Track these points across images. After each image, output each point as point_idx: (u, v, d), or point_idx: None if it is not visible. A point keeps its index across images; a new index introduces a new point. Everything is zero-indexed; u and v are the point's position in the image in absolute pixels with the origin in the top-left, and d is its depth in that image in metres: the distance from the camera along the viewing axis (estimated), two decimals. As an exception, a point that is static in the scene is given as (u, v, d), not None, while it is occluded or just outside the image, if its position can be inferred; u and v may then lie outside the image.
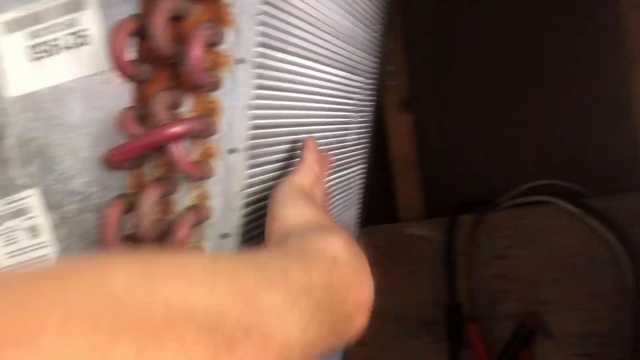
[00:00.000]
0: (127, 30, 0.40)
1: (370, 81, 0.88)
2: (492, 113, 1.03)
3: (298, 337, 0.29)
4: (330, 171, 0.74)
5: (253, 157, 0.46)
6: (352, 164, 0.86)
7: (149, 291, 0.23)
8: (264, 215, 0.51)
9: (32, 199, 0.48)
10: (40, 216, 0.48)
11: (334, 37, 0.65)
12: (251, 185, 0.46)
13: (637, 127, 0.96)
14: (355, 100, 0.82)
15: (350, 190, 0.88)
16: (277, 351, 0.27)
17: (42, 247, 0.48)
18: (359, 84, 0.83)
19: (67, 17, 0.45)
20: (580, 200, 0.91)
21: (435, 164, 1.04)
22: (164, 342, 0.21)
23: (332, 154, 0.74)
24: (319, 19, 0.58)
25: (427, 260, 0.98)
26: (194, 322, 0.23)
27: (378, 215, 1.02)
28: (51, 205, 0.48)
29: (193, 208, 0.42)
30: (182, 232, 0.40)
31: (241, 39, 0.42)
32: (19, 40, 0.46)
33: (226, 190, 0.43)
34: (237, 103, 0.42)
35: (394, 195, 1.04)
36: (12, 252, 0.49)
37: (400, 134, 1.02)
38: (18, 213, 0.48)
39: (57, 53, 0.46)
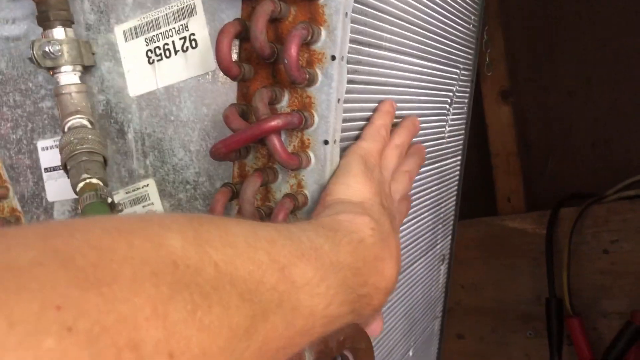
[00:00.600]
0: (231, 33, 0.44)
1: (466, 72, 0.88)
2: (598, 102, 0.99)
3: (322, 311, 0.31)
4: (425, 162, 0.75)
5: (345, 148, 0.48)
6: (449, 156, 0.87)
7: (200, 256, 0.25)
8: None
9: (149, 187, 0.54)
10: (156, 203, 0.54)
11: (425, 30, 0.66)
12: (344, 175, 0.49)
13: None
14: (451, 92, 0.82)
15: (447, 183, 0.88)
16: (303, 322, 0.29)
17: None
18: (454, 76, 0.83)
19: (179, 23, 0.50)
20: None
21: (537, 156, 1.02)
22: (212, 304, 0.24)
23: (428, 146, 0.75)
24: (409, 13, 0.60)
25: (528, 253, 0.96)
26: (237, 288, 0.26)
27: (477, 207, 1.02)
28: (166, 193, 0.53)
29: (290, 196, 0.46)
30: (280, 217, 0.43)
31: (334, 37, 0.44)
32: (138, 46, 0.52)
33: (320, 179, 0.46)
34: (331, 97, 0.45)
35: (494, 187, 1.02)
36: (133, 235, 0.55)
37: (500, 126, 1.00)
38: (138, 200, 0.54)
39: (169, 56, 0.51)
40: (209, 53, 0.49)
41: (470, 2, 0.84)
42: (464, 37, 0.85)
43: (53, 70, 0.51)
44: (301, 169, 0.46)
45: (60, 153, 0.48)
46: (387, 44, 0.56)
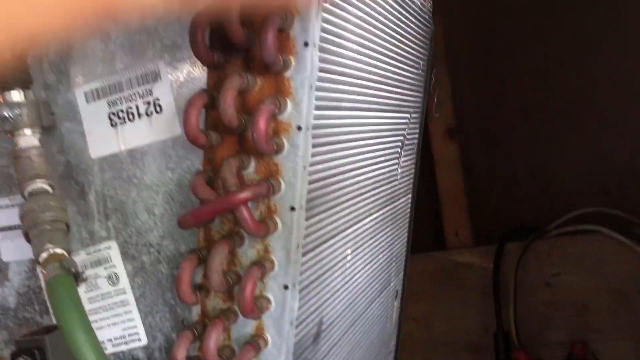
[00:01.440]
0: (198, 105, 0.44)
1: (416, 115, 0.92)
2: (538, 136, 1.04)
3: None
4: (380, 205, 0.77)
5: (311, 213, 0.50)
6: (401, 195, 0.89)
7: None
8: (320, 264, 0.55)
9: (111, 250, 0.53)
10: (118, 265, 0.53)
11: (380, 84, 0.69)
12: (309, 238, 0.50)
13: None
14: (402, 136, 0.85)
15: (400, 221, 0.91)
16: None
17: (120, 294, 0.53)
18: (405, 120, 0.86)
19: (143, 87, 0.50)
20: (631, 229, 0.91)
21: (482, 191, 1.06)
22: None
23: (382, 189, 0.77)
24: (367, 71, 0.62)
25: (475, 287, 1.00)
26: None
27: (426, 242, 1.05)
28: (128, 256, 0.53)
29: (257, 264, 0.46)
30: (249, 287, 0.44)
31: (300, 108, 0.46)
32: (100, 108, 0.52)
33: (287, 244, 0.47)
34: (297, 165, 0.47)
35: (442, 222, 1.06)
36: (94, 296, 0.54)
37: (447, 162, 1.04)
38: (100, 262, 0.54)
39: (133, 119, 0.51)
40: (174, 118, 0.50)
41: (419, 49, 0.87)
42: (414, 82, 0.88)
43: (11, 132, 0.50)
44: (268, 235, 0.47)
45: (22, 221, 0.47)
46: (347, 104, 0.57)
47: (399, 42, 0.74)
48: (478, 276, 0.99)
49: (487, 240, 1.01)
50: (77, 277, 0.46)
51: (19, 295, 0.58)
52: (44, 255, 0.45)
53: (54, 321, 0.56)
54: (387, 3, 0.66)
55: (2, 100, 0.50)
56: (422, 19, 0.86)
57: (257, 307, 0.46)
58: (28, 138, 0.51)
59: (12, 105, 0.49)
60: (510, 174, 1.05)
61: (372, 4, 0.61)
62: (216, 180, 0.48)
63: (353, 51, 0.56)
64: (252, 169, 0.47)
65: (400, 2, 0.73)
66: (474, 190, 1.05)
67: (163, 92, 0.49)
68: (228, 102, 0.43)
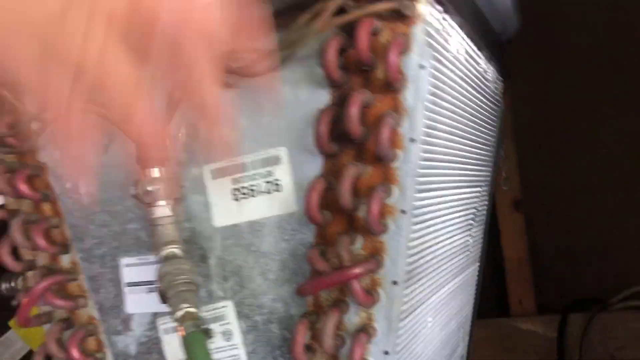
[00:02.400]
0: (318, 190, 0.51)
1: (486, 188, 0.97)
2: (602, 210, 1.08)
3: None
4: (453, 274, 0.82)
5: (406, 284, 0.55)
6: (471, 264, 0.94)
7: None
8: (409, 332, 0.60)
9: (227, 309, 0.60)
10: (232, 323, 0.60)
11: (462, 164, 0.75)
12: (402, 307, 0.56)
13: None
14: (475, 208, 0.90)
15: (469, 288, 0.95)
16: None
17: (233, 349, 0.60)
18: (478, 194, 0.91)
19: (265, 169, 0.57)
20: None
21: (547, 261, 1.09)
22: None
23: (457, 259, 0.82)
24: (453, 156, 0.68)
25: (538, 354, 1.02)
26: None
27: (491, 309, 1.08)
28: (242, 315, 0.59)
29: (362, 329, 0.52)
30: (358, 353, 0.50)
31: (405, 195, 0.52)
32: (225, 184, 0.59)
33: (388, 314, 0.53)
34: (400, 243, 0.52)
35: (506, 290, 1.09)
36: (210, 349, 0.60)
37: (512, 233, 1.08)
38: (216, 319, 0.60)
39: (255, 196, 0.58)
40: (291, 197, 0.56)
41: (491, 127, 0.93)
42: (486, 158, 0.93)
43: (149, 204, 0.58)
44: (373, 305, 0.53)
45: (160, 282, 0.54)
46: (436, 185, 0.64)
47: (477, 124, 0.80)
48: (541, 344, 1.01)
49: (551, 310, 1.04)
50: (207, 333, 0.52)
51: (140, 344, 0.65)
52: (180, 313, 0.52)
53: (170, 369, 0.63)
54: (470, 92, 0.73)
55: (144, 177, 0.58)
56: (494, 101, 0.92)
57: (362, 369, 0.52)
58: (162, 209, 0.58)
59: (152, 180, 0.57)
60: (573, 246, 1.08)
61: (459, 95, 0.67)
62: (328, 253, 0.54)
63: (443, 139, 0.63)
64: (359, 245, 0.53)
65: (479, 89, 0.79)
66: (538, 261, 1.08)
67: (283, 174, 0.57)
68: (346, 188, 0.50)
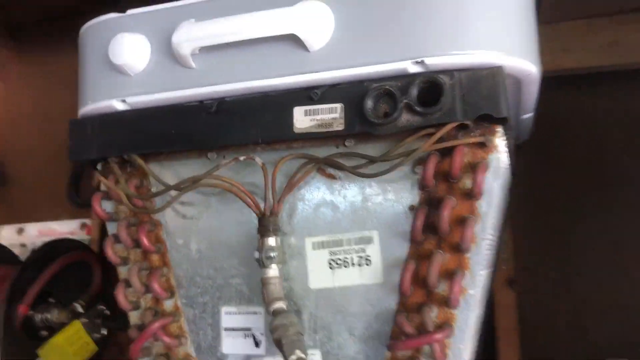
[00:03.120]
0: (411, 270, 0.66)
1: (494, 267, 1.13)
2: (582, 294, 1.26)
3: None
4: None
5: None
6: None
7: None
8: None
9: (315, 357, 0.73)
10: (319, 368, 0.73)
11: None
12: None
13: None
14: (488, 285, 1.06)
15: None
16: None
17: (318, 389, 0.72)
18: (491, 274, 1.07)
19: (358, 246, 0.72)
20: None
21: (533, 332, 1.26)
22: None
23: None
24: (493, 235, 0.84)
25: (522, 415, 1.17)
26: None
27: (484, 371, 1.23)
28: (328, 362, 0.73)
29: (435, 381, 0.66)
30: (436, 398, 0.64)
31: (474, 279, 0.67)
32: (323, 254, 0.73)
33: (454, 370, 0.67)
34: (468, 317, 0.67)
35: (495, 354, 1.25)
36: (295, 389, 0.73)
37: (505, 307, 1.25)
38: (305, 364, 0.73)
39: (347, 267, 0.72)
40: (378, 270, 0.71)
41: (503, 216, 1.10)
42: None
43: (265, 266, 0.71)
44: (443, 363, 0.67)
45: (273, 331, 0.67)
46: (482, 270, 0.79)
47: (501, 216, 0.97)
48: (526, 406, 1.17)
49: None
50: (314, 376, 0.65)
51: (231, 380, 0.77)
52: (293, 357, 0.65)
53: (256, 403, 0.75)
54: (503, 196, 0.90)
55: (264, 245, 0.71)
56: (507, 193, 1.10)
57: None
58: (274, 270, 0.72)
59: (271, 248, 0.71)
60: (556, 320, 1.26)
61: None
62: (410, 319, 0.68)
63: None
64: (434, 314, 0.68)
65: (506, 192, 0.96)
66: (526, 333, 1.24)
67: (374, 252, 0.71)
68: (434, 271, 0.65)
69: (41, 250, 1.32)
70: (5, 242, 1.58)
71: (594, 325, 1.23)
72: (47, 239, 1.69)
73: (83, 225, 1.68)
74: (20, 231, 1.74)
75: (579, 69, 1.28)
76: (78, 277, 1.36)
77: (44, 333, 1.28)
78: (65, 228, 1.70)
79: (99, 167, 0.82)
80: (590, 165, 1.28)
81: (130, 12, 0.78)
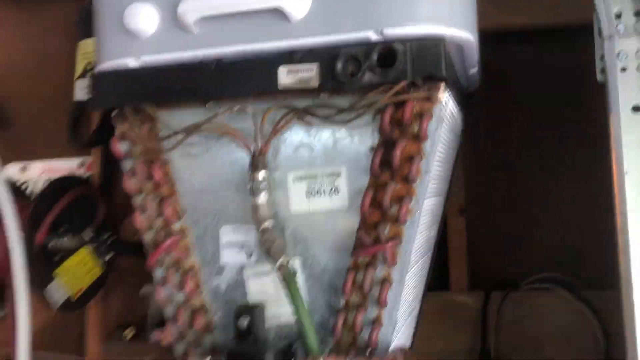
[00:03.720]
0: (369, 196, 0.85)
1: (444, 198, 1.33)
2: (524, 217, 1.48)
3: None
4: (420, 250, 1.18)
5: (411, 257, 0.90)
6: (429, 250, 1.30)
7: None
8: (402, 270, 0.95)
9: (295, 263, 0.92)
10: (299, 270, 0.92)
11: (438, 181, 1.10)
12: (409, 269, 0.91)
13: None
14: (437, 211, 1.26)
15: (426, 268, 1.31)
16: None
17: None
18: (440, 202, 1.27)
19: (329, 179, 0.90)
20: (578, 291, 1.34)
21: (479, 253, 1.49)
22: None
23: (426, 244, 1.18)
24: (437, 178, 1.03)
25: (469, 319, 1.40)
26: None
27: (436, 284, 1.45)
28: (306, 268, 0.92)
29: (384, 279, 0.86)
30: (383, 294, 0.84)
31: (418, 202, 0.86)
32: (301, 185, 0.91)
33: (401, 271, 0.87)
34: (412, 231, 0.87)
35: (448, 273, 1.47)
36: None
37: (456, 232, 1.46)
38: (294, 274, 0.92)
39: (320, 195, 0.91)
40: (345, 198, 0.89)
41: (452, 154, 1.29)
42: (449, 173, 1.29)
43: (255, 193, 0.89)
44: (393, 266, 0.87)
45: (262, 245, 0.86)
46: (428, 196, 0.98)
47: (449, 152, 1.16)
48: (471, 312, 1.39)
49: (479, 288, 1.42)
50: (294, 273, 0.85)
51: (228, 284, 0.97)
52: (280, 262, 0.84)
53: (249, 302, 0.95)
54: (449, 133, 1.08)
55: (254, 178, 0.89)
56: (458, 136, 1.28)
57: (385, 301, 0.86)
58: (262, 197, 0.89)
59: (260, 180, 0.88)
60: (501, 243, 1.48)
61: (446, 137, 1.02)
62: (368, 234, 0.87)
63: (437, 168, 0.97)
64: (387, 229, 0.87)
65: (453, 129, 1.15)
66: (473, 252, 1.46)
67: (342, 184, 0.89)
68: (388, 197, 0.84)
69: (51, 186, 1.49)
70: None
71: (537, 245, 1.45)
72: (49, 176, 1.84)
73: (82, 163, 1.82)
74: (23, 169, 1.88)
75: (528, 25, 1.44)
76: (84, 210, 1.53)
77: (58, 257, 1.45)
78: (66, 166, 1.83)
79: (114, 114, 0.98)
80: (537, 106, 1.47)
81: (140, -17, 0.92)
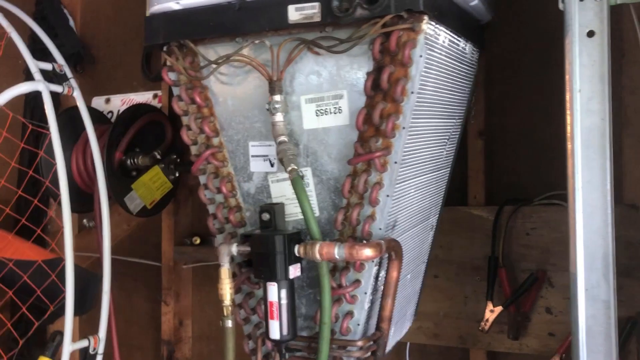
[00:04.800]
0: (363, 113, 1.00)
1: (460, 120, 1.45)
2: (540, 140, 1.56)
3: None
4: (432, 170, 1.32)
5: (402, 165, 1.05)
6: (444, 167, 1.43)
7: None
8: (402, 192, 1.11)
9: (307, 171, 1.10)
10: (310, 179, 1.10)
11: (444, 106, 1.23)
12: (400, 177, 1.06)
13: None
14: (450, 132, 1.39)
15: (441, 183, 1.45)
16: None
17: (309, 191, 1.10)
18: (452, 124, 1.39)
19: (334, 100, 1.06)
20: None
21: (496, 173, 1.60)
22: None
23: (436, 161, 1.31)
24: (439, 100, 1.16)
25: (483, 230, 1.54)
26: None
27: (455, 199, 1.59)
28: (315, 175, 1.09)
29: (377, 183, 1.02)
30: (374, 193, 1.01)
31: (405, 118, 1.01)
32: (311, 106, 1.08)
33: (390, 177, 1.03)
34: (400, 143, 1.02)
35: (467, 189, 1.60)
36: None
37: (475, 152, 1.57)
38: (302, 176, 1.10)
39: (327, 114, 1.07)
40: (347, 116, 1.05)
41: (467, 81, 1.39)
42: (462, 100, 1.40)
43: (274, 114, 1.07)
44: (384, 172, 1.03)
45: (278, 154, 1.04)
46: (424, 115, 1.12)
47: (456, 79, 1.27)
48: (485, 224, 1.52)
49: (493, 203, 1.54)
50: (302, 178, 1.03)
51: (256, 188, 1.16)
52: (290, 168, 1.02)
53: (273, 201, 1.14)
54: (451, 62, 1.19)
55: (271, 99, 1.06)
56: (470, 64, 1.38)
57: (376, 200, 1.03)
58: (279, 116, 1.07)
59: (277, 102, 1.05)
60: (516, 163, 1.58)
61: (444, 64, 1.14)
62: (364, 146, 1.03)
63: (431, 90, 1.10)
64: (379, 142, 1.02)
65: (458, 58, 1.25)
66: (490, 172, 1.57)
67: (344, 104, 1.05)
68: (377, 114, 0.99)
69: (127, 111, 1.71)
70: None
71: (551, 166, 1.53)
72: (128, 106, 2.11)
73: (155, 96, 2.05)
74: (107, 101, 2.14)
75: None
76: (155, 133, 1.75)
77: (134, 173, 1.70)
78: (142, 98, 2.07)
79: (165, 49, 1.17)
80: (551, 37, 1.52)
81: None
